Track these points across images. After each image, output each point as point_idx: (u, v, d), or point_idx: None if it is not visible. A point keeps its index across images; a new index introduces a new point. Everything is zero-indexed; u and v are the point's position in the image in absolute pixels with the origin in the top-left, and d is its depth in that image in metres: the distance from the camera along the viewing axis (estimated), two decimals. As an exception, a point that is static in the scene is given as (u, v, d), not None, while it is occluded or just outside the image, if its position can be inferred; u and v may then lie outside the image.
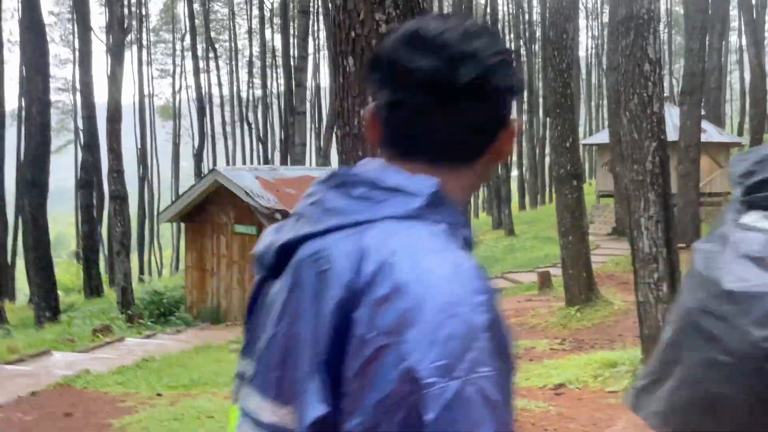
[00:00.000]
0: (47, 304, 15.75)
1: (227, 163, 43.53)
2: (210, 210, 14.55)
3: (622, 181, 16.61)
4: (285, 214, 13.38)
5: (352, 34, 3.21)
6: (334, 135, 3.78)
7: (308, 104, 32.64)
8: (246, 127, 45.32)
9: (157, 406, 5.25)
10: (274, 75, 45.95)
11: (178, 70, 46.34)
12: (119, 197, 16.20)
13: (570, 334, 9.41)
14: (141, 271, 34.47)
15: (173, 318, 14.67)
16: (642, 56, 5.31)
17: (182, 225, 16.29)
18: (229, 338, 10.47)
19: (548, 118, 10.80)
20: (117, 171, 16.19)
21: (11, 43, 34.08)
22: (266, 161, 40.87)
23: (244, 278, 14.11)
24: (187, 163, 45.97)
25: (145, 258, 38.77)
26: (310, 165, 30.35)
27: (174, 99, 46.86)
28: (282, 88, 42.08)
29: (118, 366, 7.32)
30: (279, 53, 44.41)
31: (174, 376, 6.70)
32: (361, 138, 3.22)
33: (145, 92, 41.44)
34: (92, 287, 21.87)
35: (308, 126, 31.46)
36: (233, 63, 46.62)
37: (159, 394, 5.73)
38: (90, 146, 23.01)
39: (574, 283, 10.38)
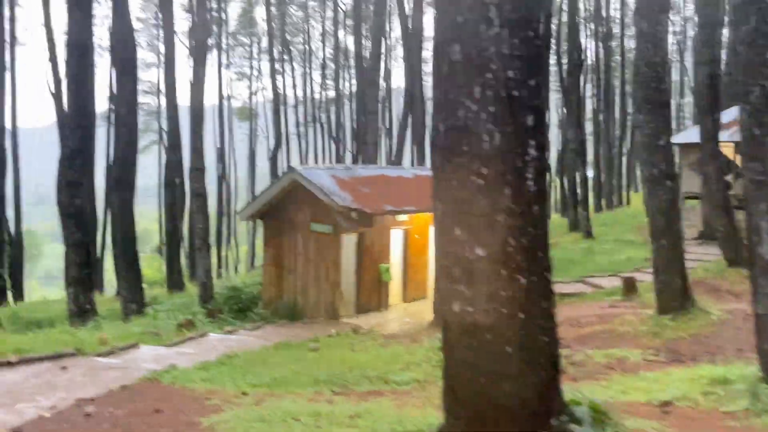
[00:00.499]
0: (133, 297, 16.39)
1: (300, 162, 44.31)
2: (287, 208, 14.70)
3: (712, 182, 15.63)
4: (361, 213, 13.30)
5: (458, 19, 2.98)
6: (433, 130, 3.49)
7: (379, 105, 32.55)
8: (318, 127, 46.03)
9: (242, 406, 5.21)
10: (347, 75, 46.42)
11: (254, 72, 47.64)
12: (200, 195, 16.65)
13: (664, 344, 8.79)
14: (219, 267, 35.62)
15: (251, 314, 14.93)
16: (766, 44, 4.81)
17: (260, 222, 16.55)
18: (307, 336, 10.50)
19: (640, 115, 10.13)
20: (199, 169, 16.64)
21: (102, 49, 36.06)
22: (338, 160, 41.33)
23: (321, 276, 14.16)
24: (262, 162, 47.17)
25: (223, 254, 40.07)
26: (382, 164, 30.32)
27: (250, 101, 48.18)
28: (354, 89, 42.50)
29: (202, 361, 7.41)
30: (351, 54, 44.91)
31: (257, 374, 6.70)
32: (466, 131, 2.99)
33: (224, 94, 42.84)
34: (174, 281, 22.71)
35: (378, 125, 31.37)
36: (306, 65, 47.39)
37: (244, 393, 5.71)
38: (174, 146, 23.87)
39: (666, 289, 9.71)
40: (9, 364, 6.74)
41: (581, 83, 30.74)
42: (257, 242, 41.45)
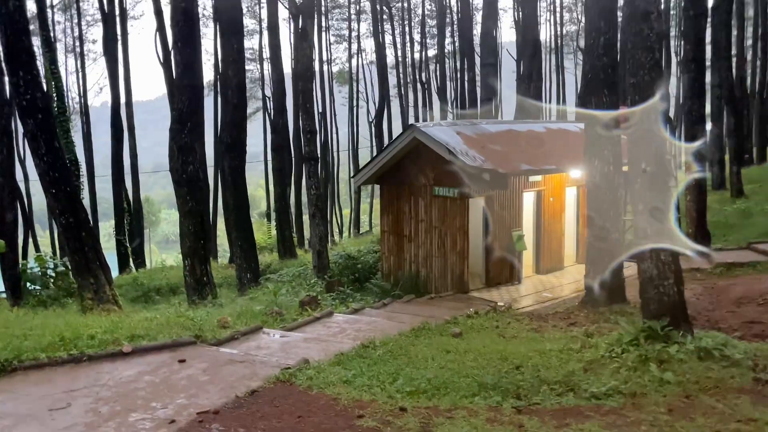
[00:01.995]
0: (248, 266, 15.83)
1: (401, 124, 42.83)
2: (407, 170, 13.32)
3: None
4: (495, 174, 11.67)
5: None
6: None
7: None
8: (419, 87, 44.20)
9: (407, 431, 3.90)
10: (448, 32, 44.03)
11: (352, 34, 46.31)
12: (312, 158, 15.62)
13: None
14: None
15: (369, 285, 13.87)
16: None
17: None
18: (442, 316, 9.16)
19: None
20: (310, 132, 15.57)
21: (206, 18, 36.12)
22: (443, 119, 39.44)
23: (446, 245, 12.74)
24: (362, 126, 46.14)
25: (328, 219, 39.76)
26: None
27: (350, 63, 47.02)
28: (457, 45, 40.11)
29: (335, 353, 6.24)
30: (452, 9, 42.37)
31: (406, 376, 5.41)
32: None
33: (324, 58, 41.91)
34: (286, 248, 22.20)
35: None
36: (406, 23, 45.41)
37: (402, 408, 4.42)
38: (279, 110, 23.15)
39: None
40: (122, 354, 5.91)
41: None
42: (362, 207, 40.75)
